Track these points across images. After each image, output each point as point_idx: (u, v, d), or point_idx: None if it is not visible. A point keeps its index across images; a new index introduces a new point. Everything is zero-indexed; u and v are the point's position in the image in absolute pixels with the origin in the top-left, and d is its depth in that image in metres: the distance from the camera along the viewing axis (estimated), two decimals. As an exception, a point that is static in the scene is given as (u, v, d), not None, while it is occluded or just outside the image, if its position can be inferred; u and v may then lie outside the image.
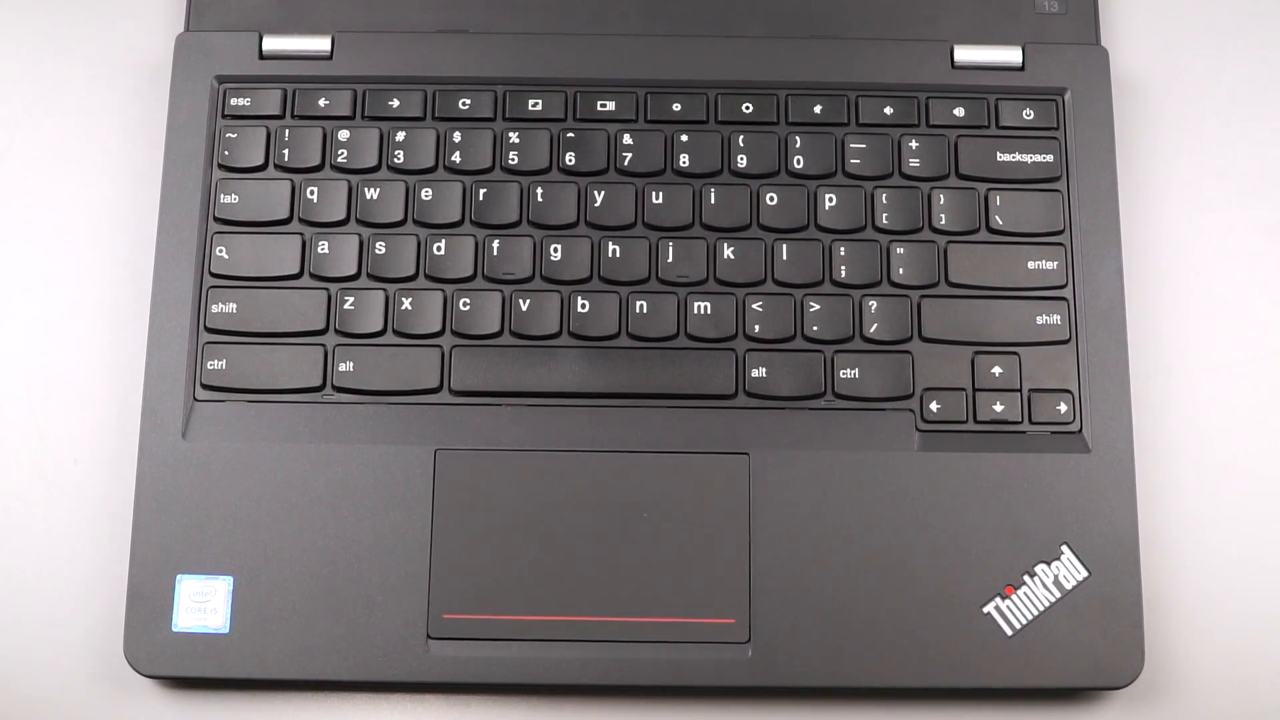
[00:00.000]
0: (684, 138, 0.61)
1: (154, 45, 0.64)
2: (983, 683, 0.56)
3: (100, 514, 0.59)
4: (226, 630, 0.55)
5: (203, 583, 0.56)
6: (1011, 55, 0.63)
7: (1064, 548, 0.56)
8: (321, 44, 0.63)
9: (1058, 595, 0.56)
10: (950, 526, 0.57)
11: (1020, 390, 0.59)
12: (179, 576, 0.56)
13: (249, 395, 0.58)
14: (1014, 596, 0.56)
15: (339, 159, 0.61)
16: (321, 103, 0.62)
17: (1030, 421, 0.58)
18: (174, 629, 0.55)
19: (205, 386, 0.58)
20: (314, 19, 0.63)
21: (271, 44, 0.63)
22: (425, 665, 0.55)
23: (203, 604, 0.55)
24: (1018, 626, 0.56)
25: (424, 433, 0.58)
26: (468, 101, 0.62)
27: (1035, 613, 0.56)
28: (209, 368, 0.58)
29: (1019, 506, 0.57)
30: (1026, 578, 0.56)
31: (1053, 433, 0.58)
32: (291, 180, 0.61)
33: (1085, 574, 0.56)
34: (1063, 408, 0.58)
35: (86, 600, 0.58)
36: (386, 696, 0.57)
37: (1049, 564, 0.56)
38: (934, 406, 0.58)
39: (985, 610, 0.56)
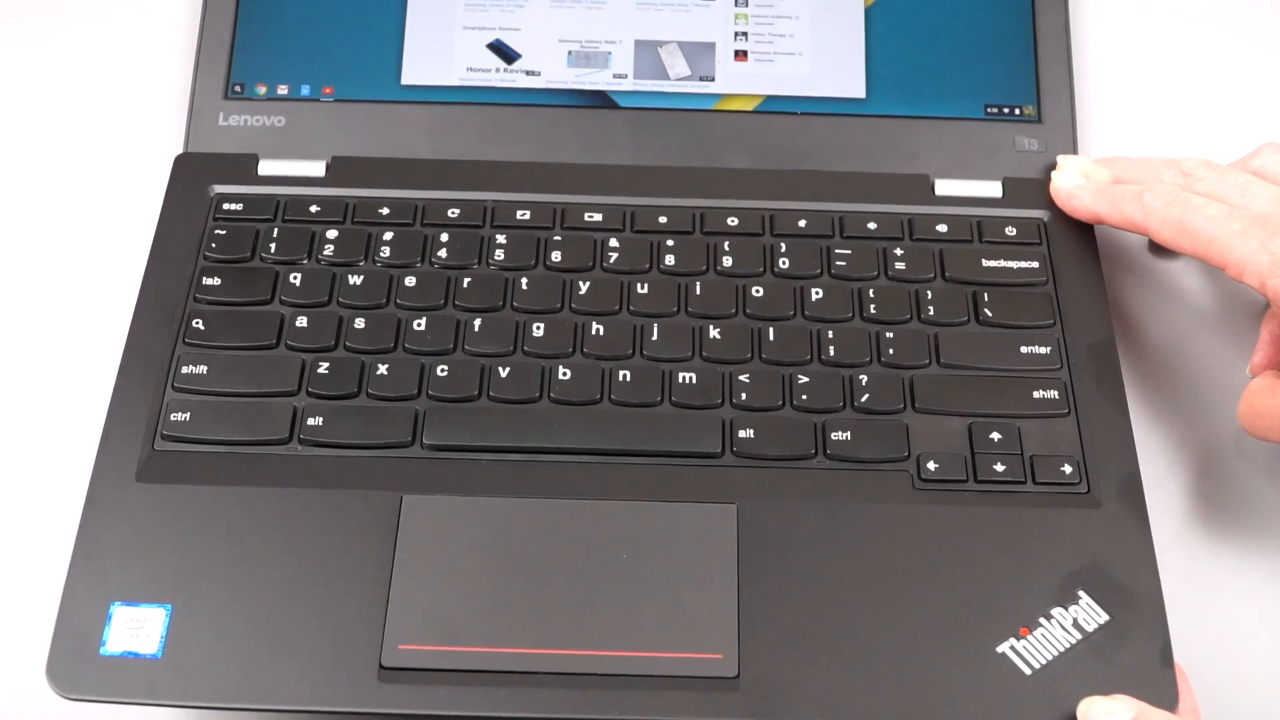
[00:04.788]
0: (670, 243, 0.62)
1: (154, 166, 0.65)
2: None
3: (44, 551, 0.55)
4: (159, 655, 0.50)
5: (138, 610, 0.51)
6: (991, 189, 0.64)
7: (1081, 593, 0.52)
8: (316, 168, 0.64)
9: (1078, 637, 0.51)
10: (955, 569, 0.52)
11: (1021, 455, 0.56)
12: (114, 604, 0.51)
13: (211, 446, 0.55)
14: (1030, 637, 0.51)
15: (325, 253, 0.61)
16: (313, 209, 0.62)
17: (1034, 482, 0.55)
18: (101, 652, 0.50)
19: (165, 437, 0.55)
20: (310, 146, 0.65)
21: (268, 167, 0.64)
22: (376, 696, 0.49)
23: (136, 630, 0.50)
24: (1037, 666, 0.50)
25: (391, 479, 0.54)
26: (456, 211, 0.62)
27: (1055, 653, 0.50)
28: (172, 419, 0.56)
29: (1028, 554, 0.53)
30: (1043, 620, 0.51)
31: (1059, 493, 0.55)
32: (276, 270, 0.60)
33: (1106, 618, 0.51)
34: (1067, 469, 0.55)
35: (19, 628, 0.54)
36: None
37: (1066, 608, 0.51)
38: (931, 466, 0.55)
39: (999, 650, 0.50)
